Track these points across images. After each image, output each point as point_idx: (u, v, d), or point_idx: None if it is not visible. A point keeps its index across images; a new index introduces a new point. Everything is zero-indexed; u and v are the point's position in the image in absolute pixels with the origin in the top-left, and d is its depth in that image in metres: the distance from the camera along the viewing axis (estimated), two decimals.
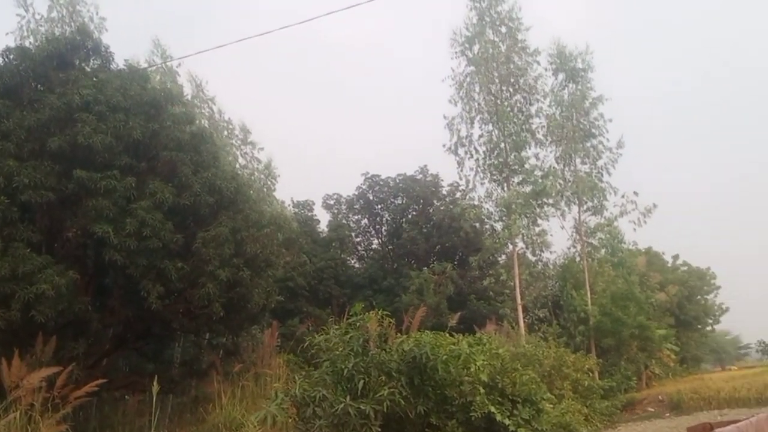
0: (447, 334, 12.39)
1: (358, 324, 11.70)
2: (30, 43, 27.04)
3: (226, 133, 33.86)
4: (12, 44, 23.35)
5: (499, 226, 32.88)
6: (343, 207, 43.74)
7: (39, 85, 18.96)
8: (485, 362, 11.82)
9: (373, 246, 44.65)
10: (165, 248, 16.96)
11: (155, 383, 14.10)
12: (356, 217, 43.97)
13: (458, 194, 39.54)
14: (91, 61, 20.62)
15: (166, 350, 22.77)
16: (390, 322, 11.96)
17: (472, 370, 11.55)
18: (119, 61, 21.23)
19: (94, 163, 17.09)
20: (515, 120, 32.19)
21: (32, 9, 28.80)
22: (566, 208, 34.62)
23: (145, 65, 25.68)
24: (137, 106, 18.59)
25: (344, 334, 11.66)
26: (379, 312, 12.01)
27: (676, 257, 55.52)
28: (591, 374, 26.64)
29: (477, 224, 37.08)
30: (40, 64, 18.99)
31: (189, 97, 31.62)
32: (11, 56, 19.22)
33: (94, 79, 19.17)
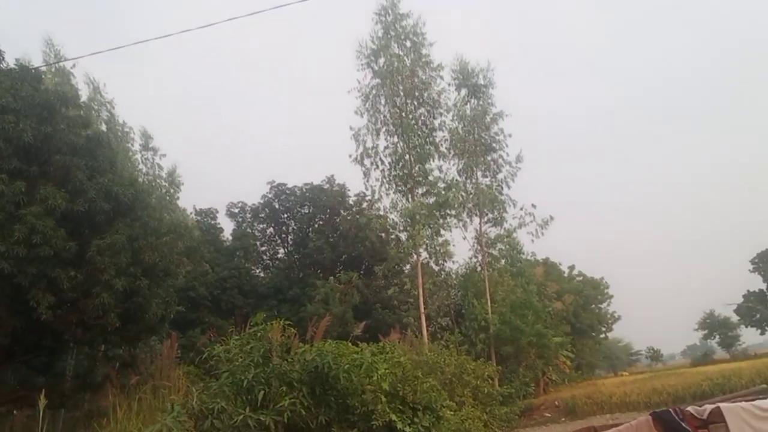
0: (351, 344, 12.42)
1: (259, 334, 11.56)
2: None
3: (126, 137, 32.72)
4: None
5: (403, 236, 33.28)
6: (248, 215, 43.16)
7: None
8: (387, 371, 11.91)
9: (279, 255, 44.25)
10: (57, 256, 16.21)
11: (43, 397, 13.42)
12: (261, 225, 43.48)
13: (364, 204, 39.82)
14: None
15: (58, 363, 21.73)
16: (293, 333, 11.89)
17: (374, 378, 11.61)
18: (10, 60, 20.19)
19: None
20: (419, 133, 32.77)
21: None
22: (468, 220, 35.55)
23: (39, 65, 24.48)
24: (29, 108, 17.71)
25: (245, 344, 11.49)
26: (283, 322, 11.91)
27: (572, 267, 57.92)
28: (491, 381, 27.29)
29: (383, 234, 37.42)
30: None
31: (86, 99, 30.40)
32: None
33: None
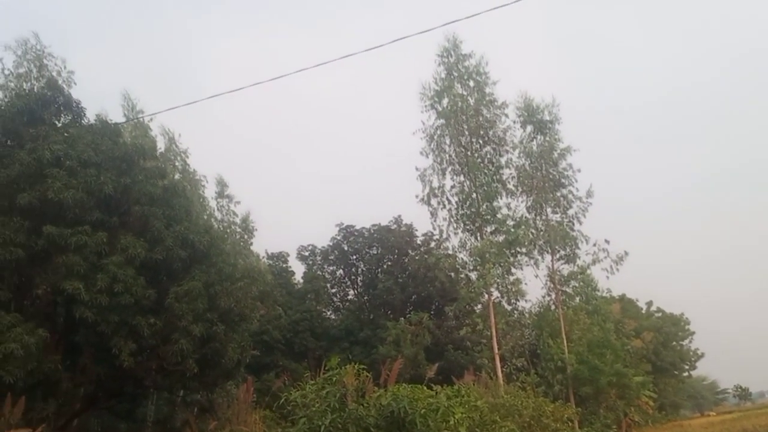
0: (425, 387, 12.26)
1: (334, 378, 11.54)
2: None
3: (198, 185, 33.67)
4: None
5: (474, 275, 32.85)
6: (318, 258, 43.58)
7: (9, 141, 18.82)
8: (464, 415, 11.68)
9: (349, 297, 44.41)
10: (137, 304, 16.69)
11: None
12: (331, 268, 43.81)
13: (432, 244, 39.65)
14: (62, 116, 20.56)
15: (139, 408, 22.21)
16: (367, 376, 11.82)
17: (451, 423, 11.40)
18: (91, 116, 21.20)
19: (64, 218, 16.88)
20: (486, 171, 32.56)
21: (1, 64, 28.76)
22: (539, 257, 34.80)
23: (118, 119, 25.67)
24: (109, 161, 18.49)
25: (320, 389, 11.49)
26: (356, 365, 11.87)
27: (650, 303, 55.95)
28: (570, 423, 26.36)
29: (452, 274, 37.09)
30: (10, 120, 18.91)
31: (162, 149, 31.58)
32: None
33: (65, 134, 19.05)
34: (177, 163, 32.51)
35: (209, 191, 34.94)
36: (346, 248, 42.86)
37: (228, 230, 33.71)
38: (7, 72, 28.88)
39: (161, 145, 32.26)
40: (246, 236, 35.27)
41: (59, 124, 20.07)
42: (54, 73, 29.39)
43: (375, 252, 42.47)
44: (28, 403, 15.24)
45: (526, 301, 34.66)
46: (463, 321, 35.89)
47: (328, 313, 42.91)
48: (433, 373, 17.51)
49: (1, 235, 16.01)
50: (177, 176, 31.31)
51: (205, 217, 29.93)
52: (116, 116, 34.96)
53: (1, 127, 18.70)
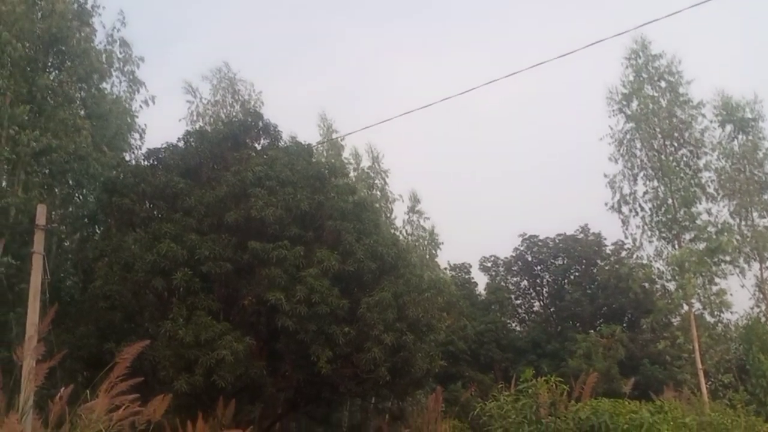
0: (624, 401, 11.69)
1: (529, 391, 11.34)
2: (200, 126, 29.60)
3: (388, 200, 34.67)
4: (183, 129, 25.80)
5: (671, 285, 30.84)
6: (501, 269, 43.17)
7: (215, 165, 20.65)
8: None
9: (534, 308, 43.53)
10: (332, 314, 17.50)
11: None
12: (515, 279, 43.20)
13: (624, 253, 37.78)
14: (261, 139, 22.23)
15: (335, 414, 23.21)
16: (564, 389, 11.48)
17: None
18: (286, 138, 22.72)
19: (266, 234, 18.18)
20: (682, 175, 30.53)
21: (198, 94, 31.67)
22: (746, 266, 31.93)
23: (309, 136, 27.26)
24: (304, 180, 19.67)
25: (515, 401, 11.33)
26: (551, 378, 11.57)
27: None
28: None
29: (646, 284, 35.02)
30: (217, 145, 20.76)
31: (365, 167, 33.23)
32: (191, 139, 21.21)
33: (265, 156, 20.56)
34: (377, 181, 33.84)
35: (402, 206, 35.87)
36: (530, 259, 42.09)
37: (416, 243, 34.38)
38: (205, 101, 31.84)
39: (366, 163, 33.85)
40: (433, 250, 35.78)
41: (259, 147, 21.71)
42: (245, 97, 32.00)
43: (561, 262, 41.29)
44: (237, 406, 16.51)
45: (731, 312, 31.92)
46: (661, 334, 33.75)
47: (513, 325, 42.34)
48: (629, 388, 16.62)
49: (212, 250, 17.53)
50: (377, 193, 32.67)
51: (393, 231, 30.78)
52: (305, 133, 37.24)
53: (210, 152, 20.55)
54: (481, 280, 42.67)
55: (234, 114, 29.72)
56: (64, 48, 20.54)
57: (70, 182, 21.65)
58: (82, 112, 20.86)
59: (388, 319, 18.14)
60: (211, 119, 30.71)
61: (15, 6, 19.00)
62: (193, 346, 16.47)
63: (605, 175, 31.89)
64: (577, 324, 38.67)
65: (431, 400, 23.13)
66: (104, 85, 22.85)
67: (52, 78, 20.11)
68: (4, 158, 18.97)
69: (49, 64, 20.81)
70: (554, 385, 11.41)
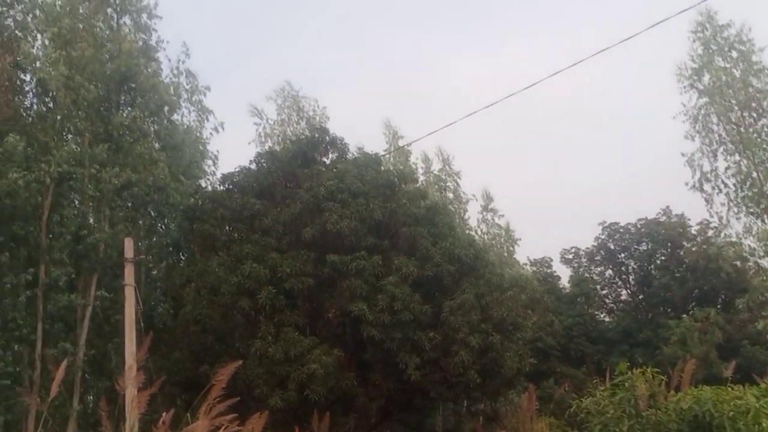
0: (726, 387, 11.19)
1: (626, 384, 11.00)
2: (269, 146, 30.23)
3: (461, 201, 34.52)
4: (253, 151, 26.46)
5: (765, 262, 29.45)
6: (583, 260, 42.08)
7: (288, 183, 21.03)
8: None
9: (622, 297, 42.21)
10: (416, 320, 17.53)
11: None
12: (599, 269, 42.01)
13: (710, 233, 36.28)
14: (329, 154, 22.51)
15: (428, 420, 23.17)
16: (662, 380, 11.09)
17: (764, 425, 10.24)
18: (353, 149, 22.94)
19: (343, 246, 18.39)
20: (765, 146, 29.17)
21: (264, 115, 32.34)
22: None
23: (373, 144, 27.50)
24: (374, 189, 19.80)
25: (612, 395, 11.02)
26: (647, 369, 11.20)
27: None
28: None
29: (738, 263, 33.54)
30: (287, 164, 21.16)
31: (435, 170, 33.25)
32: (262, 161, 21.68)
33: (334, 170, 20.84)
34: (449, 183, 33.82)
35: (475, 206, 35.66)
36: (612, 247, 40.87)
37: (492, 242, 34.08)
38: (271, 121, 32.50)
39: (436, 166, 33.93)
40: (510, 247, 35.37)
41: (328, 162, 21.99)
42: (310, 113, 32.51)
43: (645, 248, 39.91)
44: (331, 418, 16.71)
45: None
46: (759, 313, 32.22)
47: (602, 316, 41.20)
48: (730, 372, 15.89)
49: (292, 267, 17.86)
50: (450, 195, 32.63)
51: (467, 231, 30.60)
52: (371, 142, 37.53)
53: (281, 171, 20.96)
54: (563, 274, 41.73)
55: (300, 131, 30.23)
56: (134, 85, 21.38)
57: (152, 213, 22.53)
58: (157, 145, 21.63)
59: (473, 321, 18.04)
60: (279, 138, 31.32)
61: (84, 50, 19.91)
62: (284, 363, 16.81)
63: (683, 154, 30.79)
64: (668, 309, 37.34)
65: (524, 399, 22.77)
66: (175, 116, 23.69)
67: (125, 115, 20.96)
68: (88, 196, 19.92)
69: (122, 101, 21.68)
70: (651, 376, 11.02)
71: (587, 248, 41.71)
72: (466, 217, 33.72)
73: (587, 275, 41.00)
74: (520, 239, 35.88)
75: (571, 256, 42.19)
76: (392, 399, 19.73)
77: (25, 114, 20.40)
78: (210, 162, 25.76)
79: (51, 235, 19.17)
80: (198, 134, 25.16)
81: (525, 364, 20.46)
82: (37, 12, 21.15)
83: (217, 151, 26.01)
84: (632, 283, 40.99)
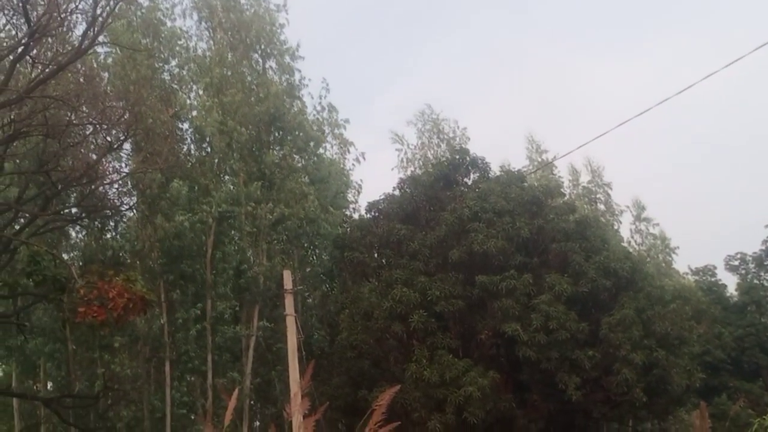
0: None
1: None
2: (411, 171, 30.58)
3: (613, 211, 33.25)
4: (396, 177, 26.92)
5: None
6: (751, 266, 39.00)
7: (431, 206, 21.21)
8: None
9: None
10: (573, 338, 17.06)
11: None
12: None
13: None
14: (471, 174, 22.45)
15: None
16: None
17: None
18: (495, 168, 22.77)
19: (491, 266, 18.27)
20: None
21: (405, 141, 32.75)
22: None
23: (516, 161, 27.04)
24: (519, 206, 19.52)
25: None
26: None
27: None
28: None
29: None
30: (430, 188, 21.35)
31: (584, 182, 32.55)
32: (405, 186, 22.03)
33: (477, 190, 20.79)
34: (600, 195, 32.82)
35: (627, 216, 34.28)
36: None
37: (649, 252, 32.50)
38: (412, 146, 32.90)
39: (585, 178, 33.08)
40: (668, 257, 33.54)
41: (470, 182, 21.97)
42: (450, 135, 32.58)
43: None
44: None
45: None
46: None
47: None
48: None
49: (441, 290, 17.96)
50: (601, 207, 31.62)
51: (623, 243, 29.40)
52: (513, 159, 37.03)
53: (424, 195, 21.18)
54: (729, 281, 38.90)
55: (441, 153, 30.38)
56: (281, 124, 22.59)
57: (305, 244, 23.59)
58: (306, 179, 22.63)
59: (634, 338, 17.30)
60: (420, 162, 31.64)
61: (234, 96, 21.29)
62: (440, 385, 16.88)
63: None
64: None
65: (696, 417, 21.19)
66: (320, 150, 24.66)
67: (276, 153, 22.13)
68: (246, 232, 21.17)
69: (271, 141, 22.94)
70: None
71: (754, 253, 38.73)
72: (617, 228, 32.36)
73: (757, 281, 38.00)
74: (677, 248, 33.88)
75: (737, 263, 39.30)
76: (552, 420, 19.20)
77: (185, 160, 22.08)
78: (354, 191, 26.62)
79: (215, 271, 20.55)
80: (342, 166, 26.07)
81: (694, 380, 19.31)
82: (192, 65, 22.90)
83: (361, 181, 26.89)
84: None
